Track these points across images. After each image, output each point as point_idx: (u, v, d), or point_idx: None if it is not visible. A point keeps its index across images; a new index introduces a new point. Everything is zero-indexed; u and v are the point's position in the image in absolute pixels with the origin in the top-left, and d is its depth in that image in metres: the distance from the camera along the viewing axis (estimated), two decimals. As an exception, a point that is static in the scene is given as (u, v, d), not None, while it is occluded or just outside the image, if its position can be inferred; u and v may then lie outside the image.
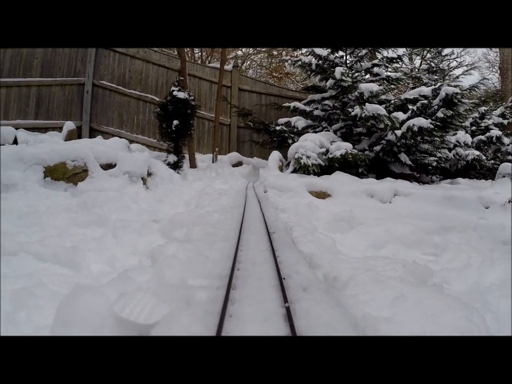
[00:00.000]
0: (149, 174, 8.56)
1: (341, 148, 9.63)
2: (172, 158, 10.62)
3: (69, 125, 12.22)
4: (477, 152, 12.61)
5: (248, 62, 28.01)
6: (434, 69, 15.69)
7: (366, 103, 10.63)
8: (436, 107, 11.07)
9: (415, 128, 9.82)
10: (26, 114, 13.29)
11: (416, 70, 16.14)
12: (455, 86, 12.11)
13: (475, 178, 12.66)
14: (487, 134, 13.97)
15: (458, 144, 12.91)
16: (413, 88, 14.29)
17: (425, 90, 12.21)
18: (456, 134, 12.94)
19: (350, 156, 9.37)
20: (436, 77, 15.60)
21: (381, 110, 10.28)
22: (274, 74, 25.95)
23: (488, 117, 15.13)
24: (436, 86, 11.99)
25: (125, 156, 8.05)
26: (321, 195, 7.70)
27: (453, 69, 16.49)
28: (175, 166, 10.55)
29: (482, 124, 15.02)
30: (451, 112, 10.06)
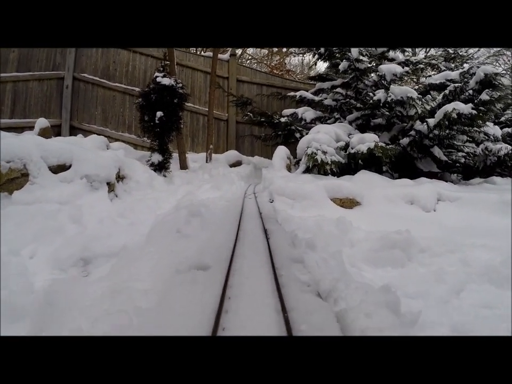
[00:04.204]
0: (121, 178, 6.27)
1: (365, 140, 7.28)
2: (156, 157, 8.30)
3: (42, 122, 10.11)
4: (510, 147, 10.29)
5: (248, 61, 25.86)
6: (453, 55, 13.30)
7: (391, 86, 8.28)
8: (470, 91, 8.74)
9: (454, 115, 7.42)
10: (1, 113, 11.16)
11: (432, 57, 13.71)
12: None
13: (500, 176, 10.41)
14: (517, 126, 11.64)
15: (486, 138, 10.56)
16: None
17: (452, 74, 10.38)
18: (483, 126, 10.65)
19: (380, 151, 6.96)
20: (453, 65, 13.34)
21: (411, 92, 8.03)
22: (275, 71, 23.81)
23: (512, 107, 12.78)
24: (465, 69, 9.77)
25: (84, 155, 5.76)
26: (348, 203, 5.40)
27: (472, 56, 14.03)
28: (161, 167, 8.26)
29: (505, 116, 12.69)
30: (498, 93, 7.70)
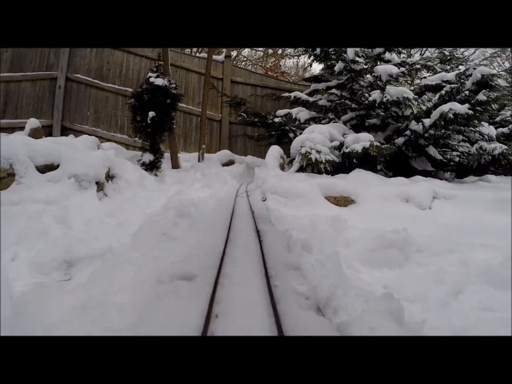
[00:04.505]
0: (110, 177, 6.10)
1: (360, 140, 7.13)
2: (148, 157, 8.13)
3: (32, 122, 9.86)
4: (504, 146, 10.23)
5: (243, 63, 25.69)
6: (448, 57, 13.19)
7: (387, 87, 8.15)
8: (466, 92, 8.65)
9: (450, 115, 7.29)
10: (-8, 113, 10.90)
11: (428, 59, 13.59)
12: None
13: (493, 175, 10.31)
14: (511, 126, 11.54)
15: (481, 137, 10.47)
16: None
17: (449, 75, 10.35)
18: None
19: (375, 150, 6.82)
20: (448, 67, 13.23)
21: (407, 92, 7.89)
22: (270, 73, 23.69)
23: (508, 108, 12.69)
24: (461, 70, 9.72)
25: (72, 154, 5.59)
26: (342, 201, 5.26)
27: (467, 58, 13.92)
28: (152, 167, 8.10)
29: (500, 116, 12.61)
30: (495, 94, 7.60)
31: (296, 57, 23.72)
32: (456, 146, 9.82)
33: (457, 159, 9.79)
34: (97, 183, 5.58)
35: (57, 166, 5.43)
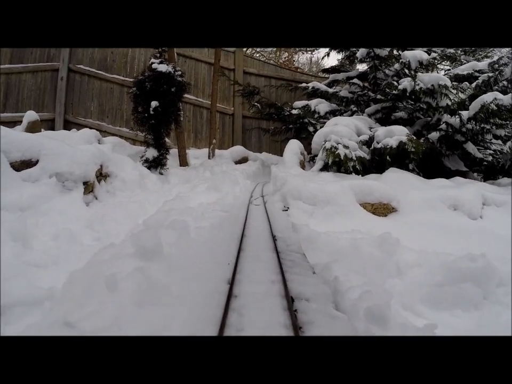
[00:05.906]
0: (104, 176, 5.12)
1: (394, 133, 6.01)
2: (151, 152, 7.14)
3: (30, 115, 8.98)
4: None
5: (257, 55, 24.67)
6: (473, 48, 12.10)
7: (419, 73, 7.05)
8: (504, 82, 7.58)
9: (493, 106, 6.19)
10: (-8, 107, 10.10)
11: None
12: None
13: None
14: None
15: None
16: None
17: (480, 65, 9.45)
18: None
19: (413, 145, 5.69)
20: (472, 58, 12.15)
21: (443, 79, 6.78)
22: (283, 68, 22.70)
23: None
24: (494, 59, 8.69)
25: (56, 149, 4.62)
26: (381, 209, 4.18)
27: (493, 50, 12.82)
28: (156, 164, 7.11)
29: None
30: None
31: (310, 52, 22.61)
32: (489, 144, 8.74)
33: (490, 158, 8.70)
34: (85, 183, 4.60)
35: (37, 162, 4.45)
